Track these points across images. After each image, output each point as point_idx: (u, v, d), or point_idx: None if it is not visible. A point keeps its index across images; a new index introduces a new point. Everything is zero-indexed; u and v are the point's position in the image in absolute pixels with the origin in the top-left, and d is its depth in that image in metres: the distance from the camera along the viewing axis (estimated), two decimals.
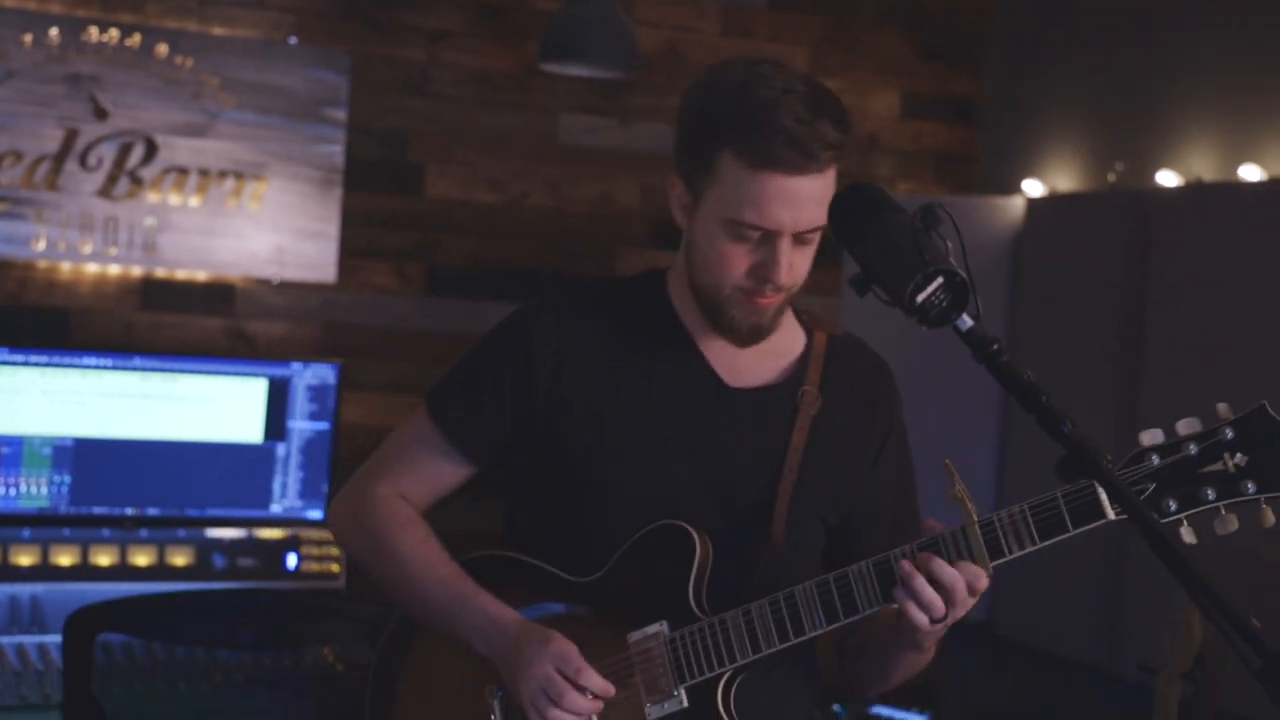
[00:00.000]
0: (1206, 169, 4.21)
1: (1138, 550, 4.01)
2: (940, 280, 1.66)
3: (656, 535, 1.99)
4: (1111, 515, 1.80)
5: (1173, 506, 1.79)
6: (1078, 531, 1.82)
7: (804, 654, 2.05)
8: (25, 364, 3.88)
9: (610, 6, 4.18)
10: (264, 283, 4.43)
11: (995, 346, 1.66)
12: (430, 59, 4.62)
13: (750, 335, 2.04)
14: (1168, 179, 4.23)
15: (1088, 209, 4.47)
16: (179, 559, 3.84)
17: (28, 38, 4.17)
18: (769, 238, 1.95)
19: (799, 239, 1.97)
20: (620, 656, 1.97)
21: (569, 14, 4.20)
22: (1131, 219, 4.18)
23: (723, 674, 1.95)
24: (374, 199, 4.57)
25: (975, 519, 1.84)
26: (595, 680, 1.93)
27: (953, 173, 5.13)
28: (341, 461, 4.07)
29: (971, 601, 1.86)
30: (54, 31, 4.19)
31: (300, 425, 4.09)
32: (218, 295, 4.41)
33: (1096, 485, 1.79)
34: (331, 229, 4.46)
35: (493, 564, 2.10)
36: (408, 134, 4.60)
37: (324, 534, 4.05)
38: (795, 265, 1.99)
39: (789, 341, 2.12)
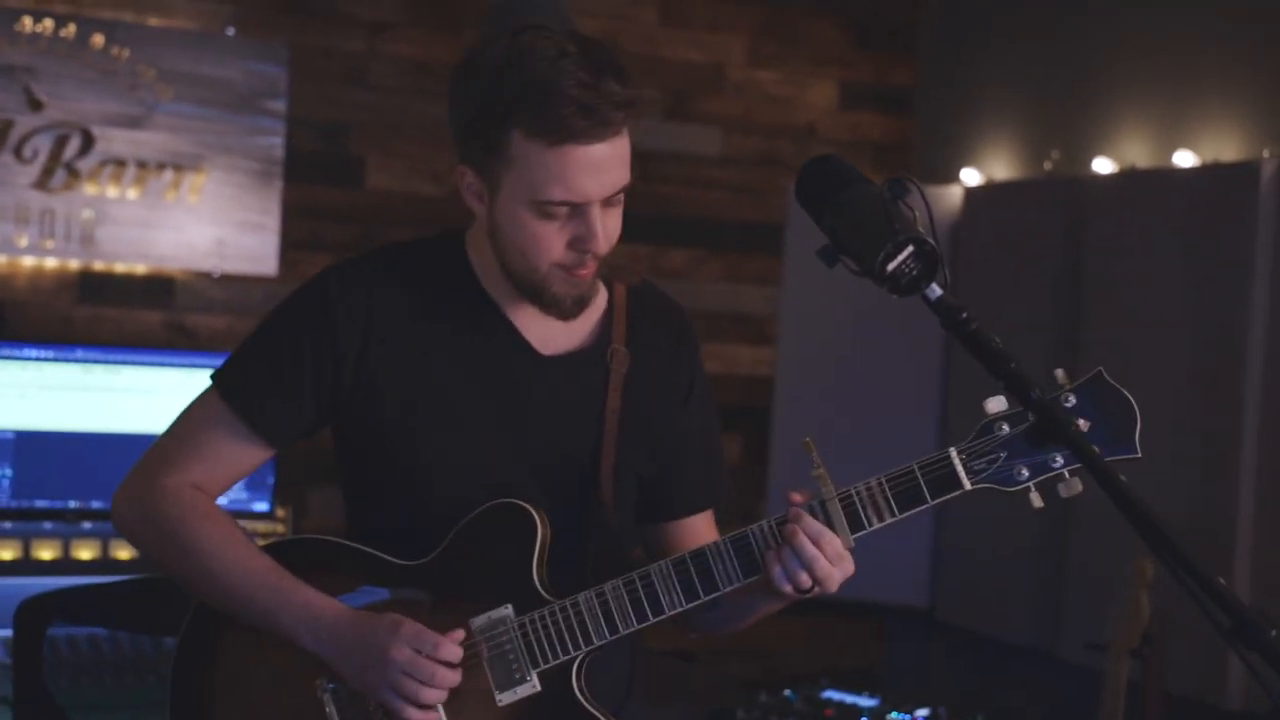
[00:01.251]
0: (1141, 156, 4.27)
1: (1077, 533, 4.06)
2: (911, 249, 1.68)
3: (492, 515, 1.93)
4: (968, 486, 1.81)
5: (1024, 474, 1.80)
6: (936, 502, 1.83)
7: None
8: None
9: None
10: (204, 275, 4.40)
11: (964, 315, 1.68)
12: (370, 50, 4.60)
13: (574, 308, 1.97)
14: (1103, 166, 4.29)
15: (1024, 197, 4.52)
16: (123, 553, 3.80)
17: None
18: (579, 210, 1.88)
19: (607, 202, 1.91)
20: (466, 642, 1.91)
21: (508, 3, 4.19)
22: (1067, 206, 4.24)
23: (576, 656, 1.91)
24: (315, 191, 4.54)
25: (835, 494, 1.84)
26: (452, 649, 1.87)
27: (890, 163, 5.17)
28: (286, 455, 4.03)
29: (838, 575, 1.85)
30: None
31: None
32: (157, 288, 4.37)
33: (953, 455, 1.81)
34: (272, 221, 4.42)
35: (305, 550, 2.00)
36: (348, 126, 4.58)
37: (271, 525, 4.01)
38: (609, 230, 1.92)
39: (594, 298, 2.04)
